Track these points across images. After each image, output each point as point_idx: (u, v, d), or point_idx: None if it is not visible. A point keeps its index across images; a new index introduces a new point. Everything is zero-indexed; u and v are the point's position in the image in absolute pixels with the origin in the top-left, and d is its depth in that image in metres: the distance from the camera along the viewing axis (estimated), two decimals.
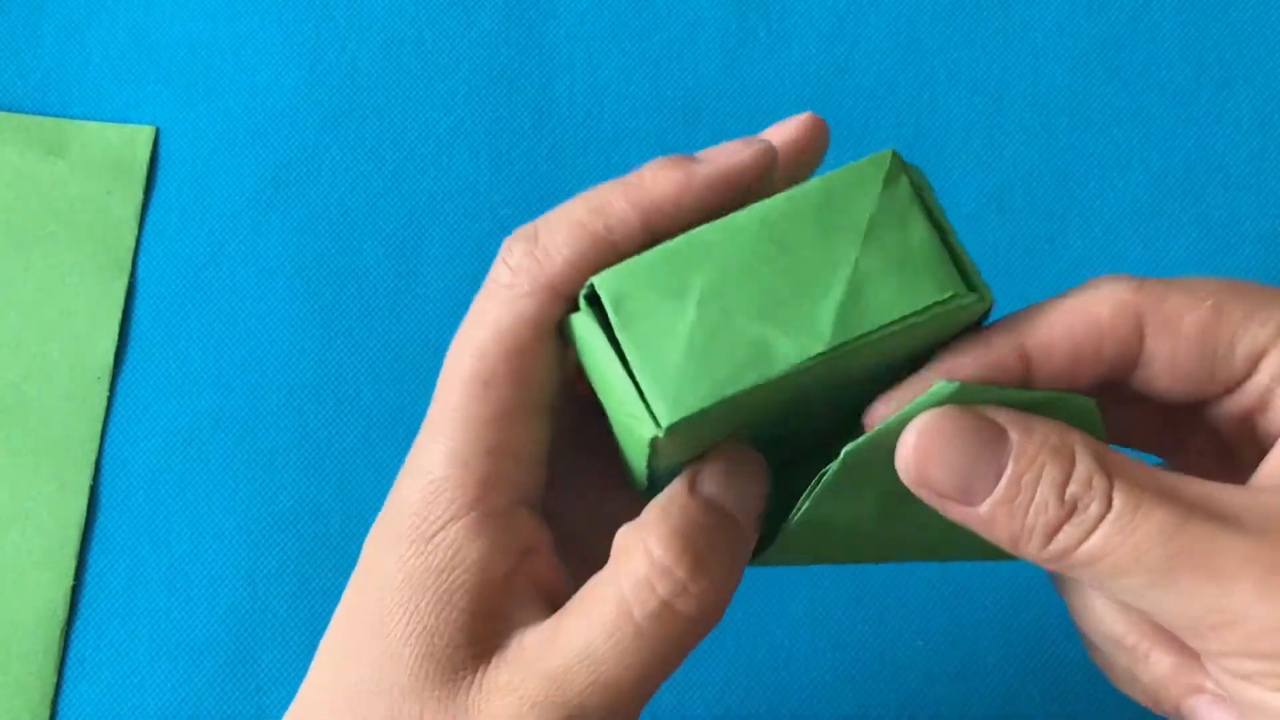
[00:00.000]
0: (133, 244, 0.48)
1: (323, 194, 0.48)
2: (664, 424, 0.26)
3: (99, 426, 0.46)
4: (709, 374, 0.26)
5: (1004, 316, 0.29)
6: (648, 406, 0.27)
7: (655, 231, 0.28)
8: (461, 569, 0.27)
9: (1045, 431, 0.26)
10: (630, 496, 0.31)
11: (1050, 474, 0.26)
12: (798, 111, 0.49)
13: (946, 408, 0.26)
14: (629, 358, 0.27)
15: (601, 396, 0.28)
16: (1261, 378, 0.27)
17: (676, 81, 0.50)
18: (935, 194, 0.29)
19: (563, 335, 0.29)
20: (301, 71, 0.50)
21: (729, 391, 0.26)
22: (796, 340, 0.27)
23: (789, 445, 0.31)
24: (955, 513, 0.26)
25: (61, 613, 0.44)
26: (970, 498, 0.26)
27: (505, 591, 0.28)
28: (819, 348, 0.27)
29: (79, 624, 0.45)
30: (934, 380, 0.27)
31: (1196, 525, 0.25)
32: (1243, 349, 0.27)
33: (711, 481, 0.28)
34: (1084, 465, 0.26)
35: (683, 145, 0.49)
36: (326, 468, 0.46)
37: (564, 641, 0.27)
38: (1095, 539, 0.25)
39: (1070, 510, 0.25)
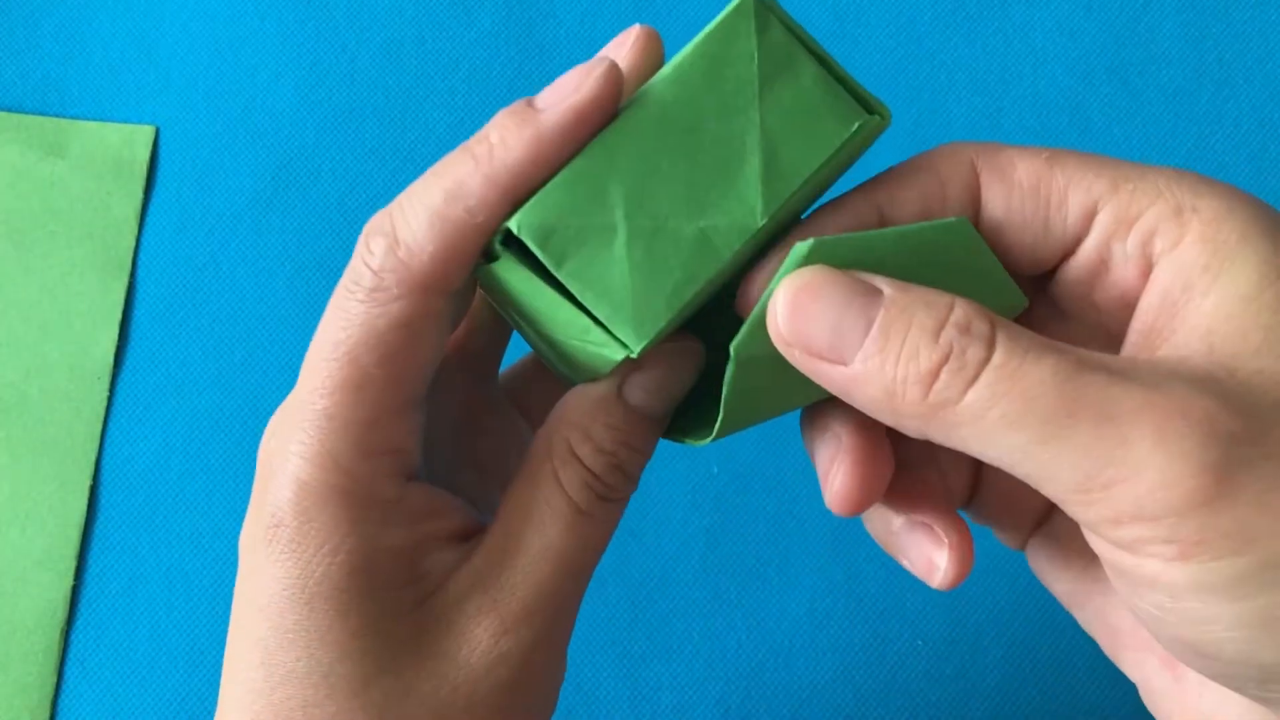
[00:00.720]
0: (132, 244, 0.48)
1: (323, 194, 0.48)
2: (635, 348, 0.26)
3: (99, 426, 0.46)
4: (661, 285, 0.26)
5: (859, 184, 0.29)
6: (611, 334, 0.26)
7: (519, 199, 0.26)
8: (374, 561, 0.27)
9: (921, 289, 0.25)
10: (510, 415, 0.32)
11: (922, 320, 0.24)
12: None
13: (816, 267, 0.25)
14: (576, 293, 0.26)
15: (538, 329, 0.28)
16: (1097, 234, 0.27)
17: None
18: (799, 24, 0.28)
19: (475, 286, 0.28)
20: (301, 71, 0.50)
21: (687, 296, 0.26)
22: (733, 222, 0.26)
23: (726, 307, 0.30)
24: (828, 377, 0.25)
25: (61, 613, 0.44)
26: (841, 354, 0.25)
27: (423, 555, 0.28)
28: (757, 222, 0.26)
29: (79, 624, 0.45)
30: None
31: (1090, 373, 0.23)
32: (1076, 200, 0.27)
33: (641, 390, 0.28)
34: (961, 310, 0.24)
35: None
36: None
37: (519, 548, 0.28)
38: (980, 388, 0.23)
39: (946, 354, 0.24)
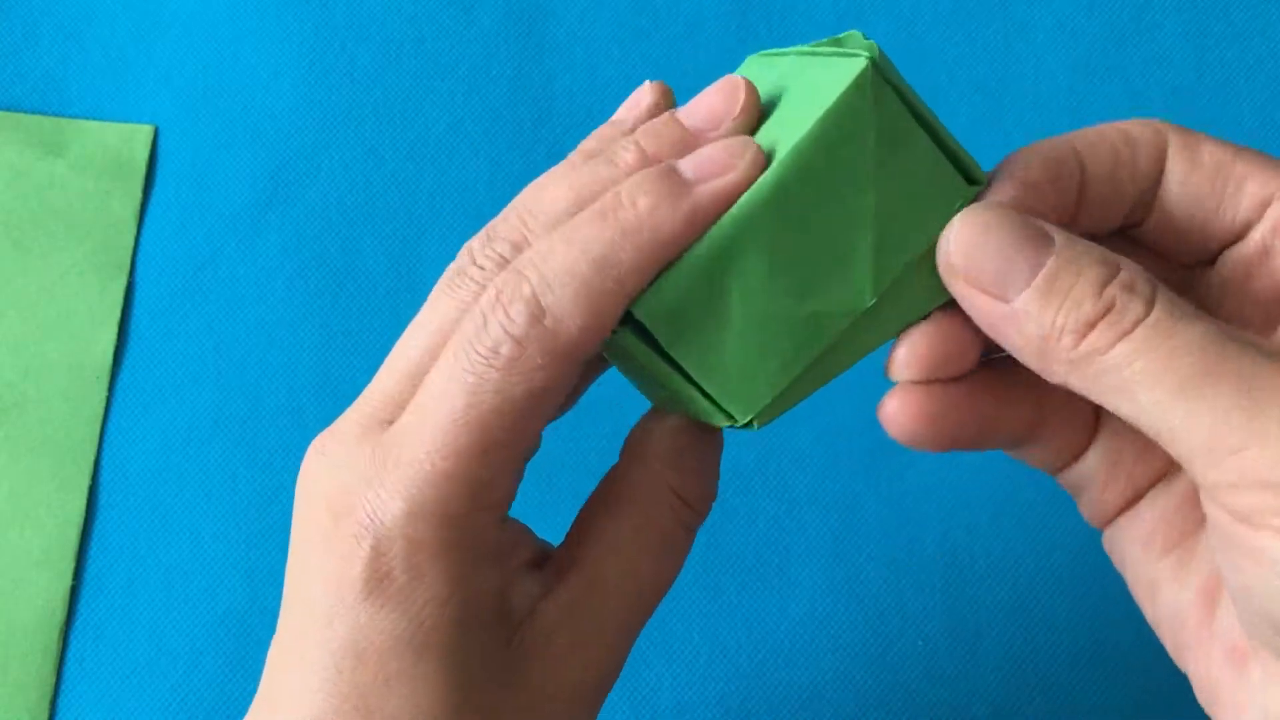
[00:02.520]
0: (132, 243, 0.48)
1: (322, 194, 0.48)
2: (740, 420, 0.27)
3: (98, 426, 0.46)
4: (768, 366, 0.27)
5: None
6: (719, 407, 0.27)
7: (664, 268, 0.26)
8: (474, 605, 0.27)
9: (1090, 244, 0.26)
10: None
11: (1090, 274, 0.25)
12: None
13: (995, 204, 0.27)
14: (688, 370, 0.27)
15: (646, 385, 0.29)
16: (1266, 225, 0.27)
17: (676, 81, 0.49)
18: (915, 92, 0.28)
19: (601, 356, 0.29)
20: (301, 71, 0.50)
21: (793, 374, 0.27)
22: (842, 304, 0.27)
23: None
24: (984, 311, 0.26)
25: (60, 613, 0.44)
26: (1004, 290, 0.26)
27: (510, 589, 0.28)
28: (865, 304, 0.27)
29: (78, 624, 0.45)
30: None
31: (1235, 345, 0.24)
32: (1252, 189, 0.27)
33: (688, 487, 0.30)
34: (1128, 271, 0.25)
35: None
36: None
37: (613, 583, 0.28)
38: (1130, 341, 0.24)
39: (1107, 308, 0.25)
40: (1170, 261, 0.30)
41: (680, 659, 0.44)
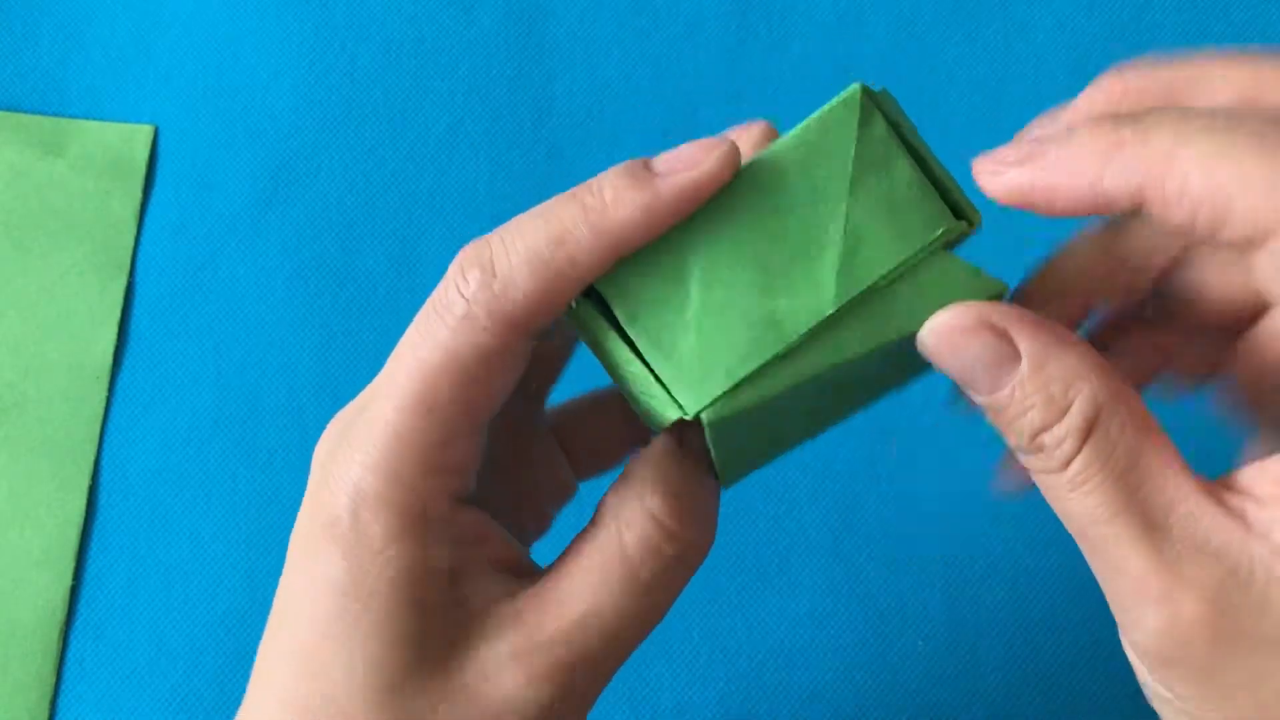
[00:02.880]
0: (131, 243, 0.48)
1: (322, 194, 0.48)
2: (690, 411, 0.27)
3: (98, 426, 0.46)
4: (724, 357, 0.27)
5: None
6: (671, 396, 0.27)
7: (620, 256, 0.27)
8: (418, 575, 0.27)
9: (1058, 368, 0.26)
10: (549, 447, 0.33)
11: (1033, 418, 0.26)
12: (798, 112, 0.49)
13: (966, 306, 0.27)
14: (642, 350, 0.27)
15: (614, 373, 0.29)
16: None
17: (676, 81, 0.50)
18: (908, 117, 0.29)
19: (566, 320, 0.29)
20: (301, 71, 0.50)
21: (746, 369, 0.27)
22: (803, 306, 0.27)
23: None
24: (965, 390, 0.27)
25: (60, 613, 0.44)
26: (964, 389, 0.27)
27: (465, 579, 0.28)
28: (826, 309, 0.27)
29: (78, 624, 0.45)
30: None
31: (1119, 525, 0.25)
32: None
33: (699, 442, 0.29)
34: (1069, 422, 0.26)
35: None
36: None
37: (567, 602, 0.28)
38: (1047, 482, 0.26)
39: (1038, 450, 0.26)
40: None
41: (680, 659, 0.44)
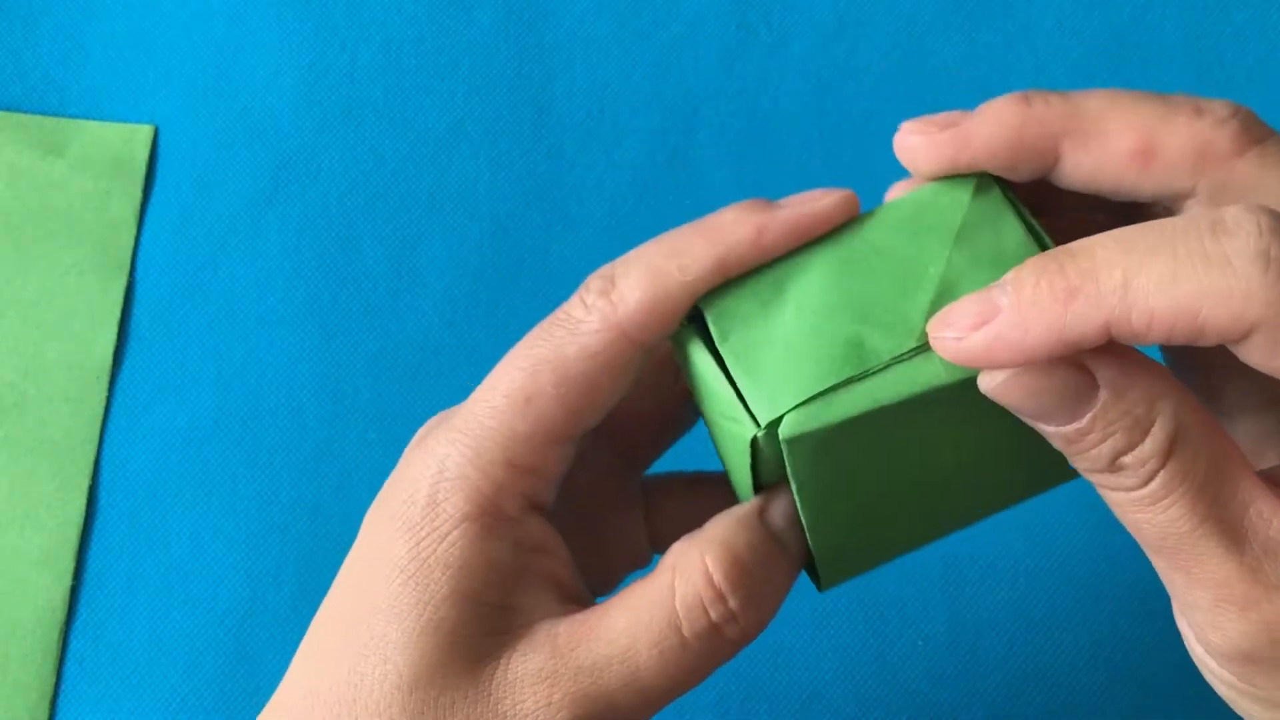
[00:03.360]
0: (132, 243, 0.48)
1: (322, 194, 0.48)
2: (763, 421, 0.27)
3: (98, 426, 0.46)
4: (805, 374, 0.27)
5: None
6: (747, 407, 0.27)
7: (730, 273, 0.28)
8: (476, 565, 0.28)
9: (1135, 399, 0.26)
10: (634, 511, 0.32)
11: (1114, 444, 0.26)
12: (798, 112, 0.49)
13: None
14: (728, 364, 0.28)
15: (707, 410, 0.29)
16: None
17: (676, 81, 0.50)
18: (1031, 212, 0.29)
19: (674, 360, 0.30)
20: (301, 71, 0.50)
21: (824, 384, 0.27)
22: (889, 337, 0.27)
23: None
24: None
25: (61, 613, 0.44)
26: (1036, 422, 0.26)
27: (519, 586, 0.28)
28: (911, 342, 0.27)
29: (78, 624, 0.45)
30: None
31: (1206, 535, 0.26)
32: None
33: (782, 515, 0.29)
34: (1150, 445, 0.26)
35: (683, 145, 0.49)
36: (326, 468, 0.46)
37: (605, 637, 0.27)
38: (1124, 499, 0.26)
39: (1117, 470, 0.26)
40: None
41: None
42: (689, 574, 0.28)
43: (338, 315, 0.47)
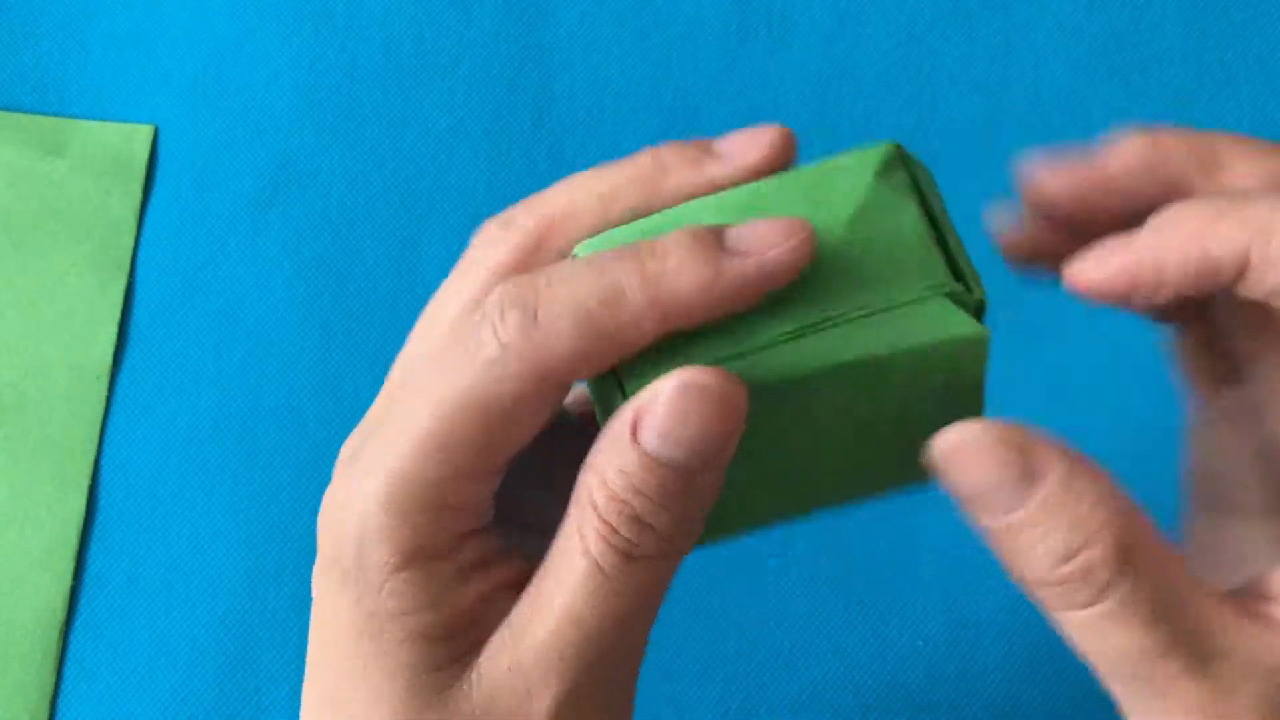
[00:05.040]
0: (131, 243, 0.48)
1: (322, 194, 0.48)
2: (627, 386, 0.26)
3: (98, 426, 0.46)
4: (691, 353, 0.26)
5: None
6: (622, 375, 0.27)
7: (675, 328, 0.26)
8: (420, 605, 0.27)
9: (1083, 495, 0.25)
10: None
11: (1054, 542, 0.25)
12: (798, 112, 0.49)
13: (981, 424, 0.25)
14: (619, 372, 0.27)
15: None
16: None
17: (676, 81, 0.50)
18: (942, 199, 0.28)
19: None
20: (301, 71, 0.50)
21: (700, 360, 0.26)
22: (771, 321, 0.26)
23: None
24: (968, 512, 0.26)
25: (60, 613, 0.44)
26: (976, 512, 0.26)
27: (471, 606, 0.27)
28: (779, 335, 0.26)
29: (78, 624, 0.45)
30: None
31: (1173, 660, 0.25)
32: None
33: (650, 432, 0.25)
34: (1099, 551, 0.25)
35: None
36: (326, 468, 0.46)
37: (544, 606, 0.27)
38: (1076, 619, 0.25)
39: (1061, 581, 0.25)
40: None
41: (680, 659, 0.44)
42: (583, 513, 0.26)
43: (338, 315, 0.47)
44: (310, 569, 0.45)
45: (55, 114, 0.49)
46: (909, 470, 0.28)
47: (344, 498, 0.27)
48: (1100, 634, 0.25)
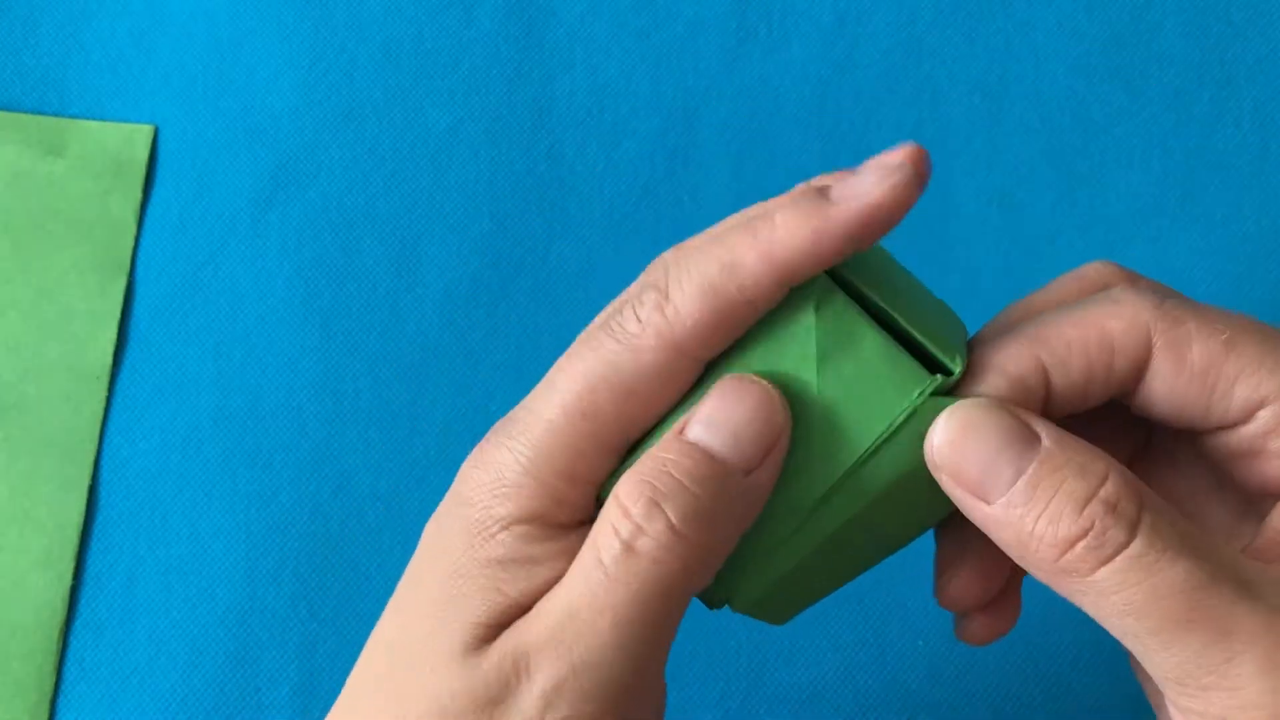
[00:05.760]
0: (132, 244, 0.48)
1: (322, 194, 0.48)
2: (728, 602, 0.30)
3: (98, 426, 0.46)
4: (752, 550, 0.29)
5: (1019, 322, 0.29)
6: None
7: (793, 282, 0.27)
8: (514, 562, 0.28)
9: (1078, 448, 0.26)
10: None
11: (1072, 486, 0.25)
12: (797, 112, 0.49)
13: (981, 401, 0.26)
14: None
15: None
16: (1256, 426, 0.27)
17: (676, 81, 0.50)
18: (892, 268, 0.29)
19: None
20: (301, 71, 0.50)
21: (773, 553, 0.29)
22: (802, 492, 0.28)
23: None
24: (969, 508, 0.27)
25: (60, 613, 0.44)
26: (986, 493, 0.26)
27: (544, 584, 0.28)
28: (817, 495, 0.28)
29: (78, 624, 0.45)
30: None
31: (1220, 586, 0.24)
32: (1242, 393, 0.27)
33: (697, 424, 0.27)
34: (1113, 485, 0.25)
35: (683, 145, 0.49)
36: (326, 468, 0.46)
37: (553, 597, 0.27)
38: (1112, 570, 0.25)
39: (1087, 528, 0.25)
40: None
41: (680, 659, 0.44)
42: (604, 510, 0.27)
43: (338, 315, 0.47)
44: (310, 569, 0.45)
45: (55, 114, 0.49)
46: (935, 511, 0.29)
47: (490, 453, 0.28)
48: (1139, 579, 0.24)
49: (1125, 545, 0.25)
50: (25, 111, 0.49)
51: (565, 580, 0.27)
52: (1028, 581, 0.45)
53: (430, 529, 0.29)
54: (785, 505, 0.28)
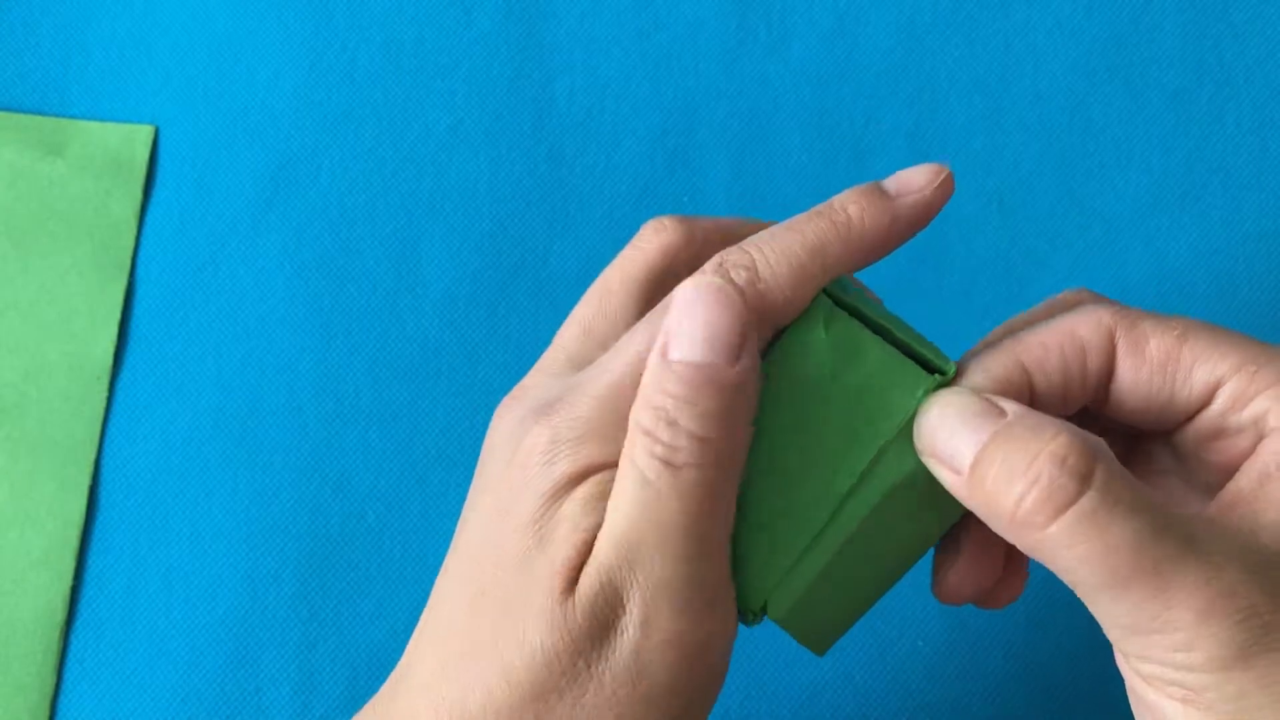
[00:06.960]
0: (132, 244, 0.48)
1: (322, 194, 0.48)
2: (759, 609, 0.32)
3: (98, 426, 0.46)
4: (774, 552, 0.31)
5: (999, 337, 0.31)
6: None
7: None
8: (591, 501, 0.29)
9: (1043, 419, 0.28)
10: None
11: (1024, 444, 0.27)
12: (797, 112, 0.49)
13: (957, 388, 0.29)
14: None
15: None
16: (1217, 406, 0.29)
17: (676, 81, 0.50)
18: (863, 291, 0.32)
19: None
20: (301, 71, 0.50)
21: (793, 552, 0.31)
22: (823, 491, 0.30)
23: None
24: (949, 483, 0.29)
25: (61, 613, 0.44)
26: (958, 463, 0.28)
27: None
28: (843, 490, 0.30)
29: (78, 624, 0.45)
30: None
31: (1165, 541, 0.26)
32: (1200, 376, 0.29)
33: (672, 344, 0.29)
34: (1062, 441, 0.27)
35: (683, 145, 0.49)
36: (326, 468, 0.46)
37: (613, 527, 0.29)
38: (1065, 523, 0.26)
39: (1034, 480, 0.27)
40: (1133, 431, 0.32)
41: None
42: (630, 435, 0.29)
43: (338, 315, 0.47)
44: (310, 569, 0.45)
45: (55, 114, 0.49)
46: (945, 512, 0.31)
47: (557, 413, 0.30)
48: (1092, 534, 0.26)
49: (1075, 498, 0.26)
50: (26, 112, 0.49)
51: (616, 511, 0.28)
52: (1029, 581, 0.45)
53: (487, 488, 0.30)
54: (811, 501, 0.30)
